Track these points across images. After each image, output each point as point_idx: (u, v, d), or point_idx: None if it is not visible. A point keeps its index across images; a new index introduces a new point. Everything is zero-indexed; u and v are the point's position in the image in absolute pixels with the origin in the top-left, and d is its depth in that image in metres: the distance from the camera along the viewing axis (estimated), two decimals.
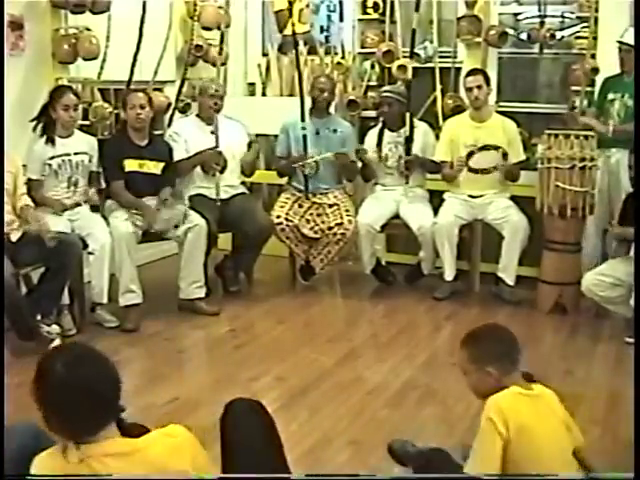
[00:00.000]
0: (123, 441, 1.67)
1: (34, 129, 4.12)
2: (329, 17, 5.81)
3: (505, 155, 4.61)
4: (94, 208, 4.32)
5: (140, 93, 4.41)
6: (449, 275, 4.67)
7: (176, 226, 4.28)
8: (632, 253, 3.91)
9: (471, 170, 4.65)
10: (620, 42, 4.37)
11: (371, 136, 4.98)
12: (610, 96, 4.53)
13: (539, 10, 4.90)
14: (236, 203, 4.71)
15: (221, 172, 4.64)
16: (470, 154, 4.64)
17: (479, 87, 4.57)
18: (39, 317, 3.72)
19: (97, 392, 1.63)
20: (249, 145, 4.85)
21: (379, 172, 4.94)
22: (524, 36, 5.07)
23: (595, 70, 4.64)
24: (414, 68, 4.92)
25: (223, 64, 5.32)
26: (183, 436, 1.74)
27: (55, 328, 3.73)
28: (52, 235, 3.74)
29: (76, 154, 4.20)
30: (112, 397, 1.67)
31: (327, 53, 5.57)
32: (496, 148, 4.61)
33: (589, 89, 4.75)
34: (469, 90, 4.59)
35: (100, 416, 1.64)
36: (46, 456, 1.66)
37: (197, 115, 4.80)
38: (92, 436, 1.62)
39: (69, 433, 1.64)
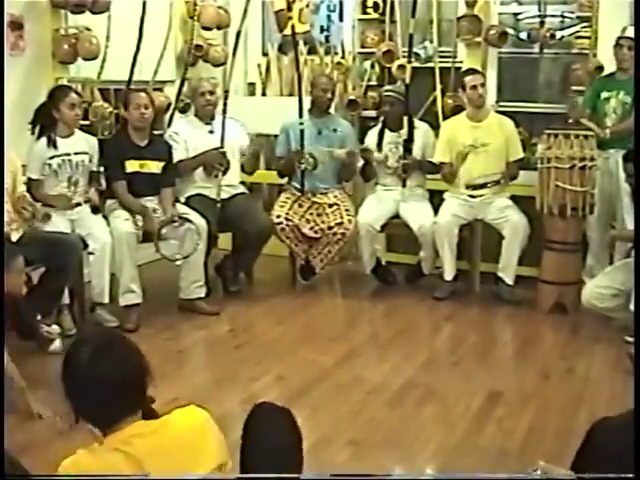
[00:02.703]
0: (145, 422, 1.68)
1: (32, 130, 4.11)
2: (329, 17, 5.81)
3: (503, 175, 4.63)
4: (94, 210, 4.29)
5: (143, 93, 4.41)
6: (449, 275, 4.67)
7: (186, 257, 4.24)
8: (630, 258, 3.95)
9: (475, 188, 4.64)
10: (624, 37, 4.35)
11: (371, 136, 4.97)
12: (604, 95, 4.52)
13: (539, 10, 4.89)
14: (236, 203, 4.71)
15: (224, 173, 4.64)
16: (466, 154, 4.64)
17: (482, 85, 4.58)
18: (39, 317, 3.72)
19: (123, 381, 1.63)
20: (250, 143, 4.85)
21: (379, 172, 4.94)
22: (524, 36, 5.06)
23: (600, 68, 4.64)
24: (414, 68, 4.92)
25: (223, 64, 5.33)
26: (205, 414, 1.76)
27: (55, 328, 3.72)
28: (45, 212, 3.76)
29: (76, 154, 4.19)
30: (138, 386, 1.68)
31: (327, 53, 5.57)
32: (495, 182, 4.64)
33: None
34: (473, 88, 4.58)
35: (126, 405, 1.66)
36: (73, 460, 1.64)
37: (195, 115, 4.80)
38: (118, 424, 1.64)
39: (96, 421, 1.65)
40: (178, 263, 4.27)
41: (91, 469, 1.60)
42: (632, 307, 3.76)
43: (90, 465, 1.61)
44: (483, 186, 4.64)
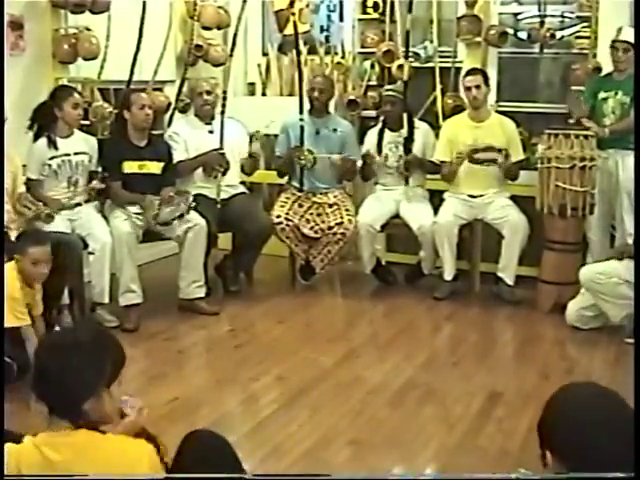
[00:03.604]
0: (83, 433, 1.65)
1: (30, 127, 4.10)
2: (329, 17, 5.81)
3: (506, 156, 4.60)
4: (95, 198, 4.31)
5: (144, 94, 4.42)
6: (449, 275, 4.67)
7: (181, 216, 4.20)
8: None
9: (472, 161, 4.58)
10: (619, 41, 4.35)
11: (371, 136, 4.97)
12: (601, 95, 4.51)
13: (539, 10, 4.89)
14: (236, 203, 4.71)
15: (223, 174, 4.64)
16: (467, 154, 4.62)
17: (477, 87, 4.57)
18: None
19: (58, 382, 1.63)
20: (250, 140, 4.85)
21: (379, 172, 4.94)
22: (524, 36, 5.07)
23: (598, 69, 4.64)
24: (414, 68, 4.91)
25: (223, 64, 5.33)
26: (148, 451, 1.68)
27: (55, 328, 3.72)
28: (49, 212, 3.77)
29: (76, 154, 4.20)
30: (71, 395, 1.64)
31: (327, 53, 5.57)
32: (498, 150, 4.59)
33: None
34: (468, 90, 4.59)
35: (57, 407, 1.66)
36: (7, 448, 1.66)
37: (195, 115, 4.80)
38: (51, 418, 1.66)
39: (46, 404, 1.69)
40: (174, 223, 4.21)
41: (13, 460, 1.63)
42: (610, 312, 3.86)
43: (15, 456, 1.63)
44: (484, 162, 4.58)
